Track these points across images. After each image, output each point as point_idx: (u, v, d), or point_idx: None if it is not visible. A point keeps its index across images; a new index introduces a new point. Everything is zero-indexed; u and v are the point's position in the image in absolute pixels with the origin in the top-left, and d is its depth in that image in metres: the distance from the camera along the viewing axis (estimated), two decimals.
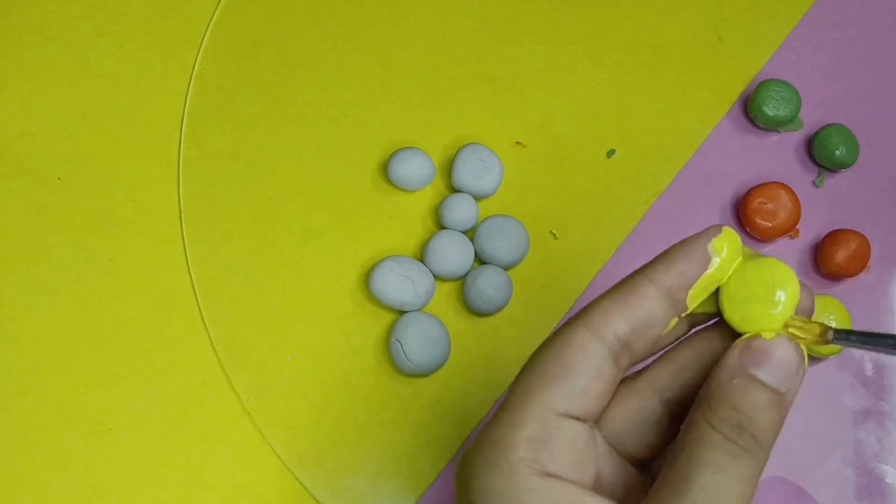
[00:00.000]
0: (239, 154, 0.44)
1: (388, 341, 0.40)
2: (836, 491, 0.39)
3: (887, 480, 0.40)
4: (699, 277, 0.28)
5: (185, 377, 0.40)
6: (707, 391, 0.27)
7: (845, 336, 0.28)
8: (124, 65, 0.45)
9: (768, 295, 0.27)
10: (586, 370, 0.27)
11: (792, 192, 0.42)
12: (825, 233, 0.43)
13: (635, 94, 0.45)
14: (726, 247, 0.28)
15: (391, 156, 0.43)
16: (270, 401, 0.40)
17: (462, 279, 0.42)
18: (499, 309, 0.41)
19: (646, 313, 0.28)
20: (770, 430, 0.27)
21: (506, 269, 0.42)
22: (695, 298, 0.28)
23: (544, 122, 0.45)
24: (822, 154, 0.43)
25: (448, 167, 0.43)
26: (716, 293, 0.28)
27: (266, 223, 0.43)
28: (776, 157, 0.44)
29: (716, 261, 0.28)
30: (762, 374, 0.26)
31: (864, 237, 0.42)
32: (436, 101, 0.45)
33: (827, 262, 0.42)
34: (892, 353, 0.27)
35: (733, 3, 0.47)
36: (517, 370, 0.41)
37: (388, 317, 0.41)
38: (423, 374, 0.40)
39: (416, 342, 0.39)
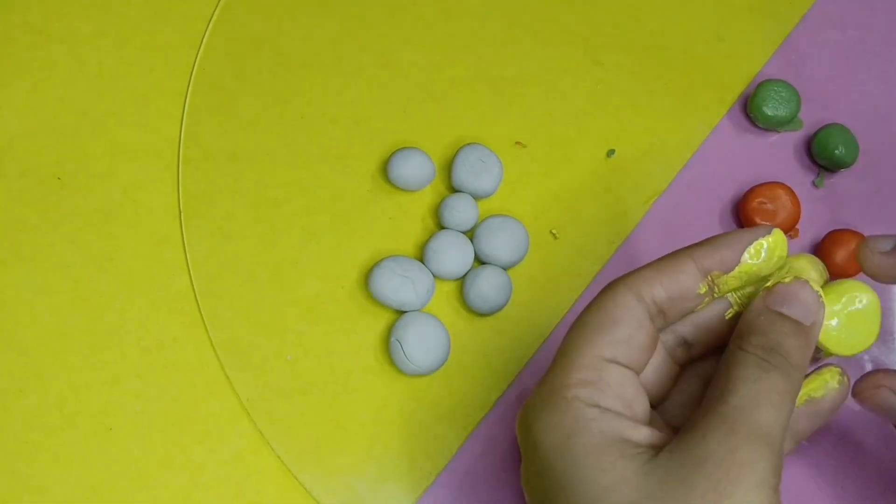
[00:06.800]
0: (239, 154, 0.44)
1: (388, 341, 0.40)
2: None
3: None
4: (737, 267, 0.31)
5: (185, 377, 0.40)
6: (739, 330, 0.31)
7: None
8: (124, 65, 0.45)
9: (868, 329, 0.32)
10: (629, 322, 0.30)
11: (791, 192, 0.42)
12: (825, 233, 0.43)
13: (635, 94, 0.45)
14: (766, 246, 0.31)
15: (391, 156, 0.43)
16: (270, 401, 0.40)
17: (462, 279, 0.41)
18: (499, 309, 0.41)
19: (682, 286, 0.31)
20: (797, 354, 0.29)
21: (505, 269, 0.42)
22: (727, 284, 0.31)
23: (544, 122, 0.45)
24: (821, 154, 0.43)
25: (448, 167, 0.43)
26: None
27: (266, 223, 0.43)
28: (776, 157, 0.44)
29: (757, 260, 0.31)
30: (786, 310, 0.30)
31: (863, 237, 0.42)
32: (436, 101, 0.45)
33: (827, 262, 0.41)
34: None
35: (733, 3, 0.47)
36: (517, 370, 0.41)
37: (388, 317, 0.41)
38: (423, 374, 0.40)
39: (416, 342, 0.39)
